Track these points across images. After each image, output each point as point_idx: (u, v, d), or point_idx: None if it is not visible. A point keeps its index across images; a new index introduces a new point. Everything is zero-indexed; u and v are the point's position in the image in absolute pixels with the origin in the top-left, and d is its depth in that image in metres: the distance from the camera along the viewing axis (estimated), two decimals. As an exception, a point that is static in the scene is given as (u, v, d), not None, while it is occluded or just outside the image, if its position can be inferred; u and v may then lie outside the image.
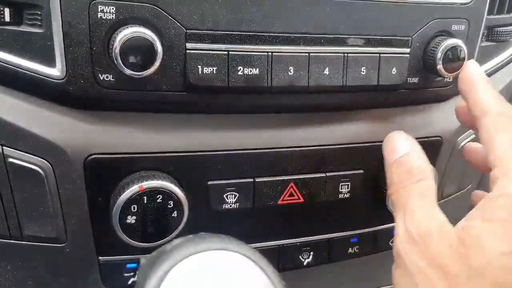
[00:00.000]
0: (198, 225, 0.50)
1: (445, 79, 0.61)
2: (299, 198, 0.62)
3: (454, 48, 0.57)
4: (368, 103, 0.62)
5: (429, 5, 0.58)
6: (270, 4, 0.52)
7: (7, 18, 0.47)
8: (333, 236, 0.67)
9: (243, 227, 0.59)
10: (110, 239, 0.54)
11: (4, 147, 0.50)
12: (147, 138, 0.55)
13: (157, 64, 0.48)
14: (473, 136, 0.65)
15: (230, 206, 0.58)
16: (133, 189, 0.51)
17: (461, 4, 0.60)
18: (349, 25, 0.55)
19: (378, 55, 0.57)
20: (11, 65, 0.49)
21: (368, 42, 0.57)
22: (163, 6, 0.49)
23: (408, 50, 0.59)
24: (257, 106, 0.58)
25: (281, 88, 0.54)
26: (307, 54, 0.54)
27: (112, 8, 0.47)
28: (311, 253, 0.66)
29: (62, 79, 0.49)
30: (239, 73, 0.52)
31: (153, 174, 0.53)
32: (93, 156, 0.52)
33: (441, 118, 0.68)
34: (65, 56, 0.48)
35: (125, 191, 0.51)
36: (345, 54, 0.56)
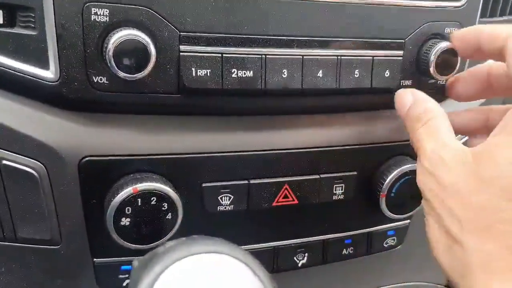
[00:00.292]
0: (193, 227, 0.51)
1: (438, 81, 0.62)
2: (293, 200, 0.62)
3: (447, 51, 0.58)
4: (362, 105, 0.63)
5: (422, 8, 0.59)
6: (263, 7, 0.52)
7: (0, 20, 0.47)
8: (327, 237, 0.67)
9: (238, 229, 0.59)
10: (105, 241, 0.54)
11: (-3, 149, 0.50)
12: (141, 140, 0.55)
13: (150, 66, 0.48)
14: (466, 138, 0.65)
15: (225, 208, 0.58)
16: (127, 191, 0.51)
17: (454, 7, 0.61)
18: (342, 28, 0.56)
19: (371, 58, 0.57)
20: (4, 67, 0.49)
21: (362, 45, 0.57)
22: (156, 9, 0.49)
23: (401, 53, 0.59)
24: (251, 108, 0.58)
25: (275, 91, 0.54)
26: (301, 57, 0.54)
27: (106, 11, 0.47)
28: (306, 254, 0.66)
29: (56, 81, 0.49)
30: (233, 75, 0.52)
31: (147, 176, 0.53)
32: (87, 158, 0.52)
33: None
34: (58, 59, 0.48)
35: (119, 193, 0.51)
36: (339, 57, 0.56)
